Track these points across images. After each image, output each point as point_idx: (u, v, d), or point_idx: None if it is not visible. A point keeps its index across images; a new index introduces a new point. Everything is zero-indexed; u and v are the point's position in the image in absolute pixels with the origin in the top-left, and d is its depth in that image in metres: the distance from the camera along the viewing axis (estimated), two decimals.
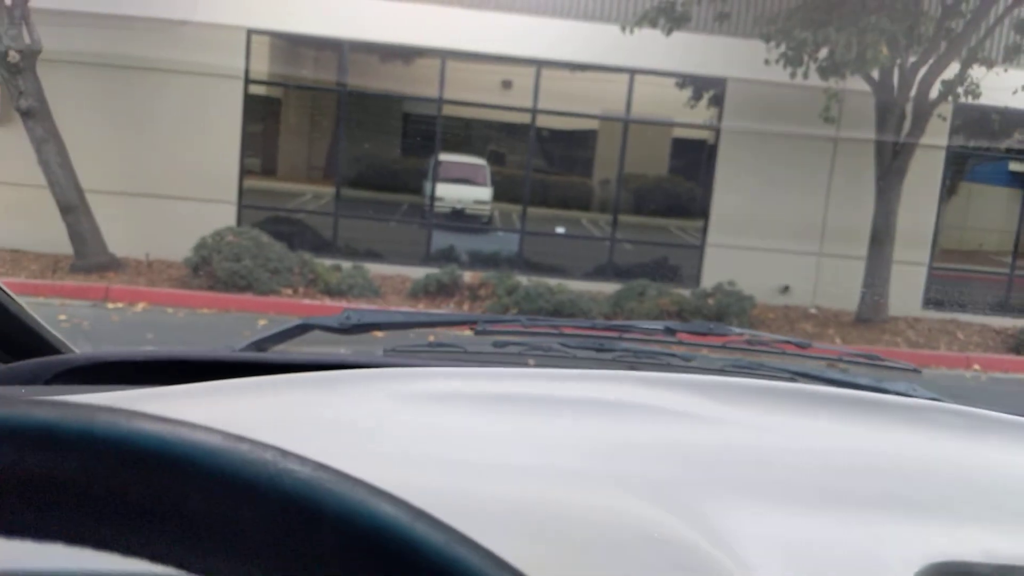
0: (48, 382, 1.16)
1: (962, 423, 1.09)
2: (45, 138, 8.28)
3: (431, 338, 1.59)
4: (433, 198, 10.20)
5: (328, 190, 10.18)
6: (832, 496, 0.86)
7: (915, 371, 1.50)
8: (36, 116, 8.22)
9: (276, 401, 1.01)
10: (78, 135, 8.71)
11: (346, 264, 9.12)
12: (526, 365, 1.37)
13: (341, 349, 1.50)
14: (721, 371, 1.39)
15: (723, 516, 0.79)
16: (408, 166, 10.79)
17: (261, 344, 1.41)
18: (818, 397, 1.13)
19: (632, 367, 1.39)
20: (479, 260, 10.08)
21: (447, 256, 10.03)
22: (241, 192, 9.72)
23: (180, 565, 0.28)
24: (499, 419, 0.98)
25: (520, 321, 1.50)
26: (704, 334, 1.49)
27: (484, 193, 10.48)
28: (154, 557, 0.28)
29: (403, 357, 1.39)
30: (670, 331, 1.48)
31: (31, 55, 8.15)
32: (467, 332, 1.53)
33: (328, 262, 8.99)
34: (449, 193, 10.30)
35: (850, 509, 0.84)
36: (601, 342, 1.46)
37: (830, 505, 0.84)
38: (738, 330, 1.55)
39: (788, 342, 1.53)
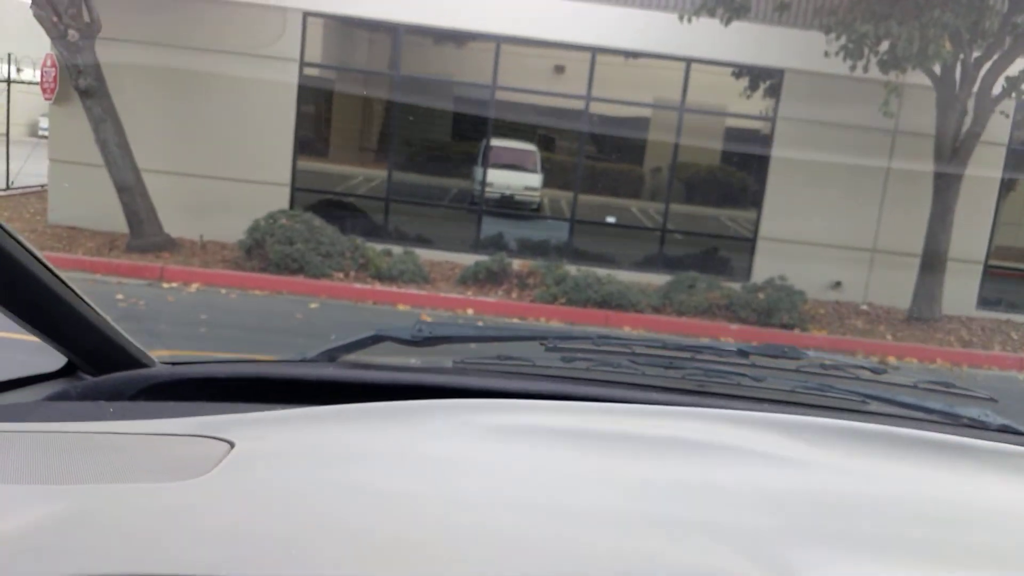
0: (133, 397, 1.19)
1: None
2: (103, 118, 8.38)
3: (502, 350, 1.59)
4: (484, 184, 10.19)
5: (380, 173, 10.21)
6: (918, 548, 0.83)
7: (991, 400, 1.47)
8: (94, 95, 8.31)
9: (355, 435, 1.02)
10: (135, 115, 8.81)
11: (397, 249, 9.16)
12: (596, 383, 1.37)
13: (411, 359, 1.53)
14: (792, 392, 1.39)
15: (810, 568, 0.76)
16: (459, 151, 10.77)
17: (333, 353, 1.43)
18: (899, 438, 1.11)
19: (702, 386, 1.39)
20: (528, 248, 10.06)
21: (496, 243, 10.02)
22: (294, 175, 9.79)
23: None
24: (584, 457, 0.97)
25: (591, 339, 1.49)
26: (777, 356, 1.47)
27: (534, 179, 10.44)
28: None
29: (474, 374, 1.40)
30: (743, 353, 1.47)
31: (90, 34, 8.24)
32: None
33: (379, 247, 9.03)
34: (499, 179, 10.27)
35: (938, 563, 0.81)
36: (671, 361, 1.47)
37: (916, 558, 0.81)
38: (813, 353, 1.52)
39: (863, 367, 1.51)
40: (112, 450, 0.92)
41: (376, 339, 1.45)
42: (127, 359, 1.24)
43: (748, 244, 10.06)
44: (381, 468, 0.92)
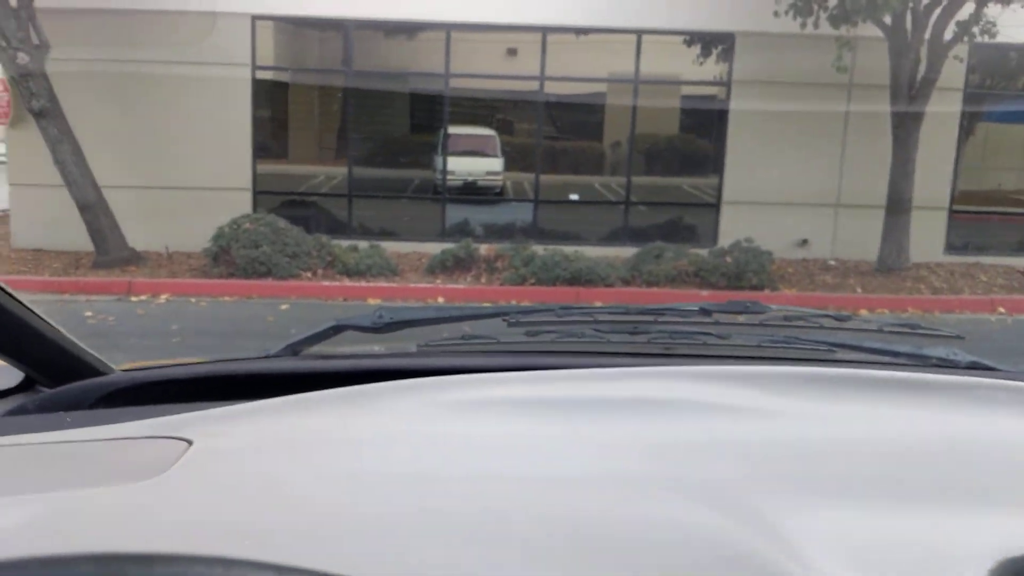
0: (92, 406, 1.18)
1: (1015, 398, 1.06)
2: (59, 137, 8.34)
3: (466, 329, 1.59)
4: (445, 172, 10.21)
5: (340, 171, 10.20)
6: (892, 488, 0.83)
7: (958, 338, 1.48)
8: (49, 116, 8.27)
9: (317, 420, 1.01)
10: (91, 132, 8.77)
11: (363, 244, 9.17)
12: (561, 354, 1.37)
13: (375, 347, 1.54)
14: (759, 347, 1.40)
15: (783, 515, 0.76)
16: (418, 142, 10.78)
17: (296, 347, 1.42)
18: (866, 381, 1.10)
19: (668, 348, 1.40)
20: (494, 232, 10.09)
21: (462, 230, 10.05)
22: (255, 178, 9.77)
23: None
24: (545, 425, 0.97)
25: (553, 311, 1.50)
26: (740, 312, 1.48)
27: (495, 164, 10.46)
28: None
29: (438, 355, 1.39)
30: (705, 312, 1.48)
31: (40, 56, 8.19)
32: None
33: (345, 243, 9.04)
34: (460, 166, 10.29)
35: (912, 501, 0.80)
36: (635, 326, 1.47)
37: (891, 497, 0.81)
38: (775, 307, 1.53)
39: (827, 315, 1.51)
40: (69, 458, 0.92)
41: (337, 329, 1.44)
42: (85, 369, 1.24)
43: (712, 209, 10.12)
44: (346, 451, 0.92)
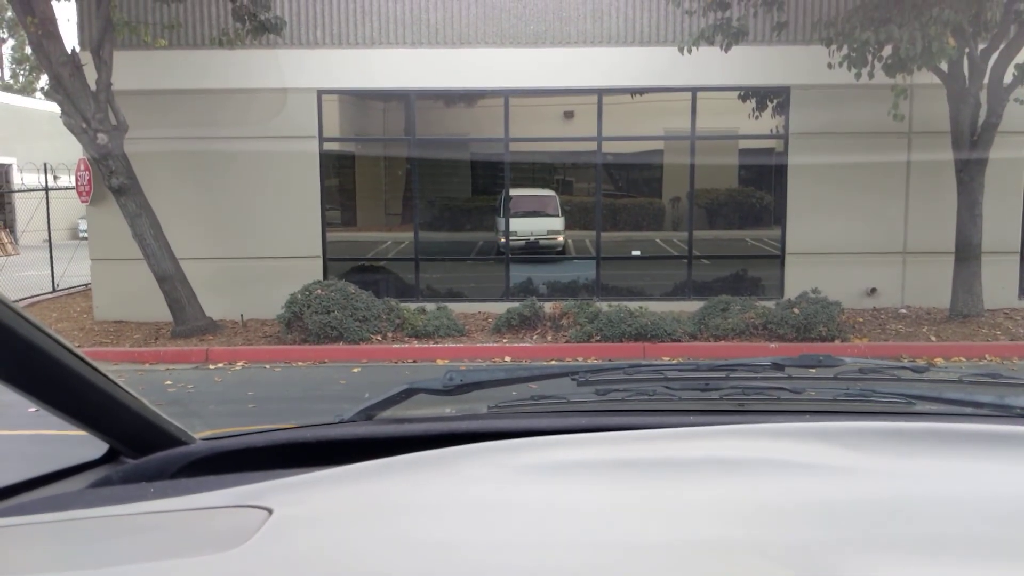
0: (174, 475, 1.21)
1: None
2: (138, 213, 8.70)
3: (533, 387, 1.60)
4: (507, 233, 10.37)
5: (407, 235, 10.44)
6: (986, 546, 0.78)
7: None
8: (128, 192, 8.65)
9: (394, 486, 1.01)
10: (168, 207, 9.15)
11: (430, 306, 9.33)
12: (632, 413, 1.35)
13: (446, 409, 1.55)
14: (835, 401, 1.36)
15: None
16: (480, 205, 10.99)
17: (369, 412, 1.43)
18: (949, 434, 1.06)
19: (742, 405, 1.37)
20: (557, 290, 10.18)
21: (526, 289, 10.16)
22: (325, 246, 10.05)
23: None
24: (621, 488, 0.95)
25: (622, 368, 1.49)
26: (813, 366, 1.45)
27: (556, 223, 10.60)
28: None
29: (509, 417, 1.39)
30: (778, 366, 1.45)
31: (118, 135, 8.60)
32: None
33: (413, 305, 9.21)
34: (522, 226, 10.45)
35: (1004, 560, 0.76)
36: (707, 382, 1.45)
37: (982, 556, 0.76)
38: (850, 359, 1.48)
39: (903, 367, 1.47)
40: (153, 529, 0.93)
41: (408, 392, 1.45)
42: (167, 439, 1.26)
43: (776, 261, 10.06)
44: (421, 518, 0.92)
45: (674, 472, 0.98)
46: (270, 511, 0.92)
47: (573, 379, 1.45)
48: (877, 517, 0.84)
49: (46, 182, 12.79)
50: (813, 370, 1.46)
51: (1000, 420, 1.24)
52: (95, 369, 1.12)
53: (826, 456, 0.99)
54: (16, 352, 0.99)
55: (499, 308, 9.38)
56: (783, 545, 0.79)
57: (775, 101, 9.95)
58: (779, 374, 1.45)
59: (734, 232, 10.67)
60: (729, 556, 0.78)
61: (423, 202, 10.51)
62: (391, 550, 0.83)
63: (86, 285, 11.34)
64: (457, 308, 9.52)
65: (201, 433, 1.36)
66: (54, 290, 12.37)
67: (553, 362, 8.20)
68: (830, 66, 8.61)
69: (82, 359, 1.09)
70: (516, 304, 9.18)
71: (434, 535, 0.87)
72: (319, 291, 8.70)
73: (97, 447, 1.25)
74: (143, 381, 7.57)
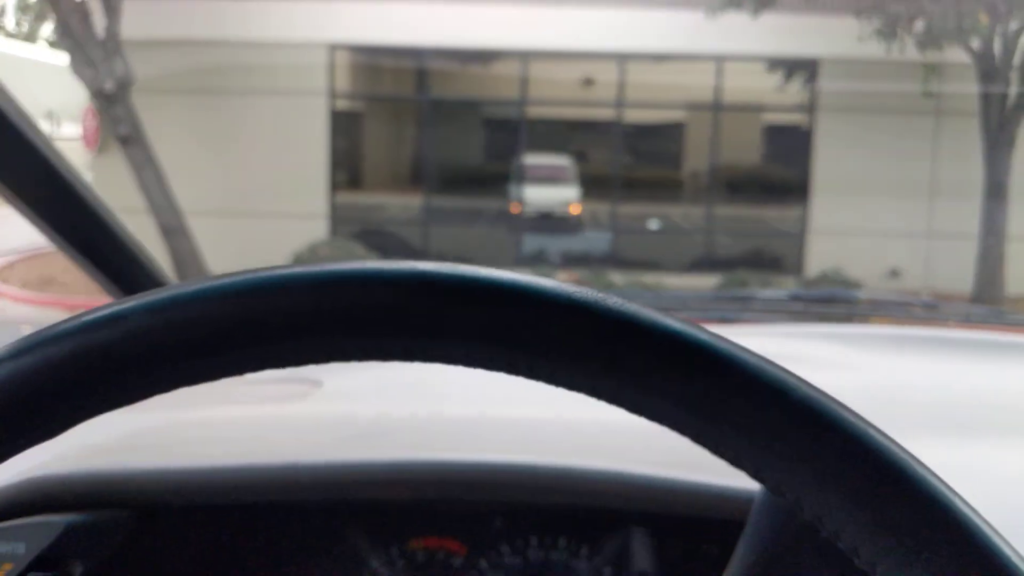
0: None
1: None
2: (143, 164, 8.50)
3: None
4: (521, 201, 10.15)
5: (416, 199, 10.23)
6: (984, 426, 0.85)
7: None
8: (133, 143, 8.44)
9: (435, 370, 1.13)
10: (173, 160, 8.93)
11: None
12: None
13: None
14: (847, 317, 1.47)
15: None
16: (493, 170, 10.75)
17: None
18: (950, 341, 1.14)
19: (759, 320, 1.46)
20: (571, 260, 9.98)
21: (538, 258, 9.95)
22: (332, 206, 9.84)
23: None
24: None
25: (643, 297, 1.57)
26: (828, 300, 1.48)
27: (571, 193, 10.36)
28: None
29: None
30: (796, 298, 1.48)
31: (125, 84, 8.39)
32: None
33: None
34: (535, 195, 10.22)
35: (999, 438, 0.82)
36: (723, 313, 1.49)
37: (981, 435, 0.83)
38: (864, 295, 1.54)
39: (914, 304, 1.53)
40: (211, 388, 0.98)
41: None
42: (157, 283, 1.26)
43: (797, 239, 9.86)
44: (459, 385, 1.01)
45: None
46: (319, 383, 0.99)
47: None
48: (877, 401, 0.87)
49: (50, 130, 12.60)
50: (828, 304, 1.51)
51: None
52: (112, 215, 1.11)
53: (829, 352, 1.07)
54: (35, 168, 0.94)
55: None
56: None
57: (803, 73, 9.70)
58: (796, 305, 1.50)
59: (755, 208, 10.45)
60: None
61: (434, 165, 10.29)
62: (429, 401, 0.93)
63: None
64: None
65: None
66: None
67: None
68: (860, 38, 8.37)
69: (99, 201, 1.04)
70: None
71: (475, 395, 0.96)
72: (325, 251, 8.53)
73: None
74: None
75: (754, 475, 0.29)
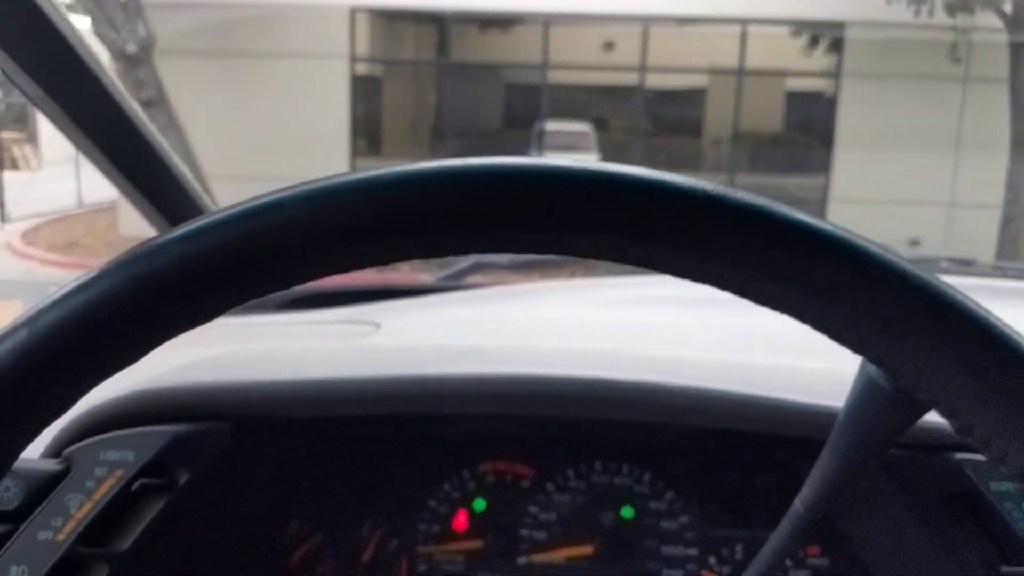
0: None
1: None
2: (167, 126, 8.50)
3: None
4: None
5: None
6: None
7: None
8: (156, 105, 8.45)
9: (487, 305, 1.19)
10: (193, 125, 8.94)
11: None
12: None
13: None
14: None
15: None
16: (513, 136, 10.70)
17: (440, 281, 1.52)
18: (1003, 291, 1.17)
19: None
20: None
21: None
22: (353, 169, 9.83)
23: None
24: (681, 312, 1.12)
25: None
26: None
27: (591, 159, 10.30)
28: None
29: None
30: None
31: (147, 47, 8.39)
32: None
33: None
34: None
35: None
36: None
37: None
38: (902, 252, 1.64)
39: (948, 259, 1.53)
40: (283, 328, 1.11)
41: (477, 266, 1.58)
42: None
43: (818, 207, 9.78)
44: (504, 321, 1.09)
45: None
46: (378, 325, 1.04)
47: None
48: None
49: None
50: None
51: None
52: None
53: None
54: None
55: None
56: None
57: (829, 38, 9.55)
58: None
59: (776, 176, 10.37)
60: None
61: (453, 130, 10.25)
62: (486, 330, 1.01)
63: (112, 202, 11.23)
64: None
65: None
66: (80, 205, 12.27)
67: None
68: (889, 1, 8.23)
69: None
70: None
71: (515, 326, 1.04)
72: None
73: None
74: None
75: (875, 358, 0.30)
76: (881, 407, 0.44)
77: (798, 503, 0.53)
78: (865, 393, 0.45)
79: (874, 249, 0.30)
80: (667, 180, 0.31)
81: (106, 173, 1.09)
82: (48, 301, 0.32)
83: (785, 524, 0.54)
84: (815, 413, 0.64)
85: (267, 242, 0.31)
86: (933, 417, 0.58)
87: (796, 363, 0.78)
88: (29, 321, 0.31)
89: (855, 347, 0.31)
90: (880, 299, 0.29)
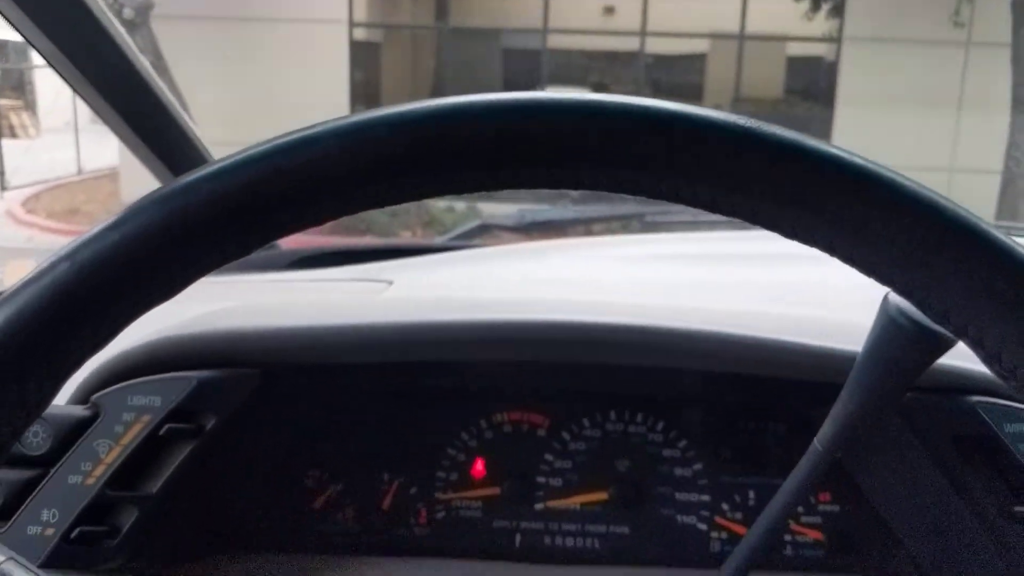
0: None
1: None
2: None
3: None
4: None
5: None
6: None
7: None
8: (155, 70, 8.38)
9: (497, 262, 1.20)
10: (191, 92, 8.87)
11: (459, 205, 9.10)
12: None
13: None
14: None
15: None
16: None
17: (448, 242, 1.54)
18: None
19: None
20: (592, 196, 9.89)
21: (559, 193, 9.88)
22: None
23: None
24: (707, 269, 1.12)
25: (689, 212, 1.60)
26: None
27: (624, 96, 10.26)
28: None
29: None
30: None
31: (144, 12, 8.31)
32: None
33: (442, 204, 8.99)
34: None
35: None
36: None
37: None
38: None
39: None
40: (296, 284, 1.12)
41: (483, 228, 1.60)
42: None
43: None
44: (521, 275, 1.10)
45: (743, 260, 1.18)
46: (390, 282, 1.05)
47: (639, 221, 1.60)
48: None
49: None
50: None
51: None
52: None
53: None
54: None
55: (531, 210, 9.15)
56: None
57: (830, 2, 9.46)
58: None
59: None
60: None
61: (454, 95, 10.16)
62: (500, 291, 1.02)
63: (111, 168, 11.17)
64: (486, 209, 9.27)
65: None
66: (79, 172, 12.20)
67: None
68: None
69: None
70: (547, 207, 8.93)
71: (530, 281, 1.08)
72: None
73: None
74: None
75: (904, 290, 0.31)
76: (903, 345, 0.45)
77: (817, 443, 0.54)
78: (887, 331, 0.45)
79: (905, 181, 0.31)
80: (699, 114, 0.31)
81: (115, 128, 1.09)
82: (87, 236, 0.32)
83: (803, 464, 0.55)
84: (832, 356, 0.64)
85: (302, 177, 0.32)
86: (949, 359, 0.60)
87: (811, 313, 0.79)
88: (69, 255, 0.31)
89: (884, 278, 0.31)
90: (911, 230, 0.29)
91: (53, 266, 0.31)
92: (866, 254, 0.31)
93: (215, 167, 0.32)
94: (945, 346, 0.45)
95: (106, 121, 1.09)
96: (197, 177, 0.32)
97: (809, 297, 0.97)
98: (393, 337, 0.68)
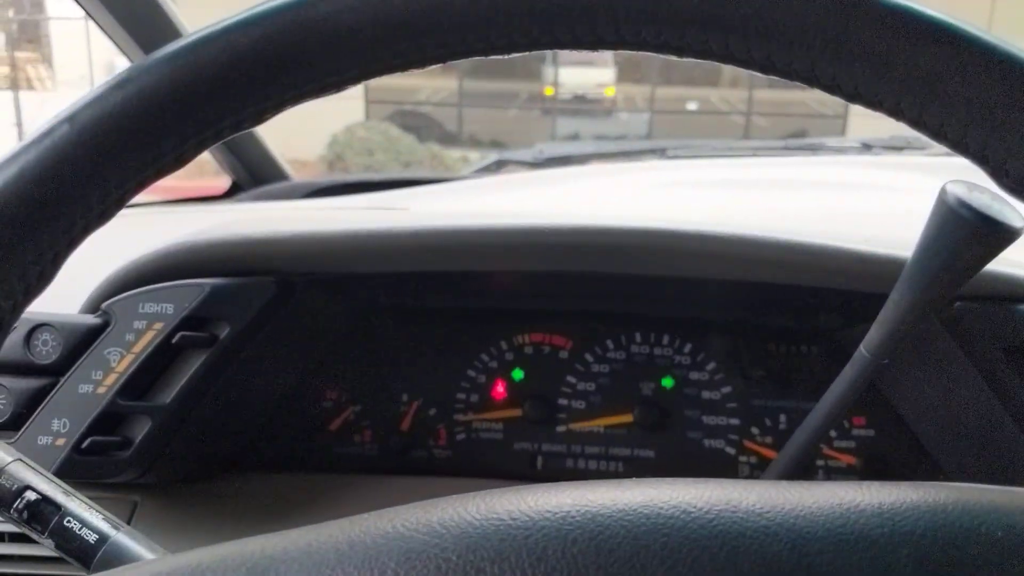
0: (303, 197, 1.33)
1: None
2: None
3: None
4: (555, 84, 9.95)
5: (450, 82, 10.06)
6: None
7: None
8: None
9: (522, 190, 1.19)
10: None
11: (473, 155, 9.04)
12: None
13: None
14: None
15: None
16: (528, 53, 10.52)
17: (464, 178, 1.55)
18: None
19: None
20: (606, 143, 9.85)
21: (572, 141, 9.82)
22: (367, 88, 9.74)
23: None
24: (728, 195, 1.10)
25: (712, 145, 1.53)
26: (901, 148, 1.43)
27: (607, 75, 10.13)
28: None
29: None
30: (866, 147, 1.44)
31: None
32: None
33: (456, 153, 8.93)
34: (570, 78, 10.00)
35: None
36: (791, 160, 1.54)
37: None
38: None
39: None
40: (314, 212, 1.10)
41: (500, 164, 1.55)
42: (281, 174, 1.32)
43: (839, 121, 9.62)
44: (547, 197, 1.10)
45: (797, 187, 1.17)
46: (407, 209, 1.03)
47: (660, 156, 1.54)
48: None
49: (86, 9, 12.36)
50: (901, 152, 1.46)
51: None
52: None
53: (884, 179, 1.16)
54: None
55: None
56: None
57: None
58: (866, 154, 1.48)
59: (795, 91, 10.17)
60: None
61: None
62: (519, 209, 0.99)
63: None
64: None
65: None
66: None
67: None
68: None
69: None
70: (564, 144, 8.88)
71: (552, 203, 1.07)
72: (362, 132, 8.46)
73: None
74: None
75: (955, 144, 0.29)
76: (963, 238, 0.42)
77: (863, 349, 0.51)
78: (946, 223, 0.42)
79: (981, 34, 0.28)
80: None
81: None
82: (89, 96, 0.30)
83: (847, 372, 0.52)
84: (880, 261, 0.60)
85: (325, 30, 0.29)
86: (998, 266, 0.57)
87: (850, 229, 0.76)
88: (70, 117, 0.29)
89: (950, 137, 0.29)
90: (981, 85, 0.27)
91: (52, 128, 0.29)
92: (934, 114, 0.28)
93: (229, 21, 0.29)
94: (1007, 238, 0.42)
95: (129, 58, 1.07)
96: (210, 32, 0.29)
97: (844, 220, 0.94)
98: (413, 243, 0.65)
